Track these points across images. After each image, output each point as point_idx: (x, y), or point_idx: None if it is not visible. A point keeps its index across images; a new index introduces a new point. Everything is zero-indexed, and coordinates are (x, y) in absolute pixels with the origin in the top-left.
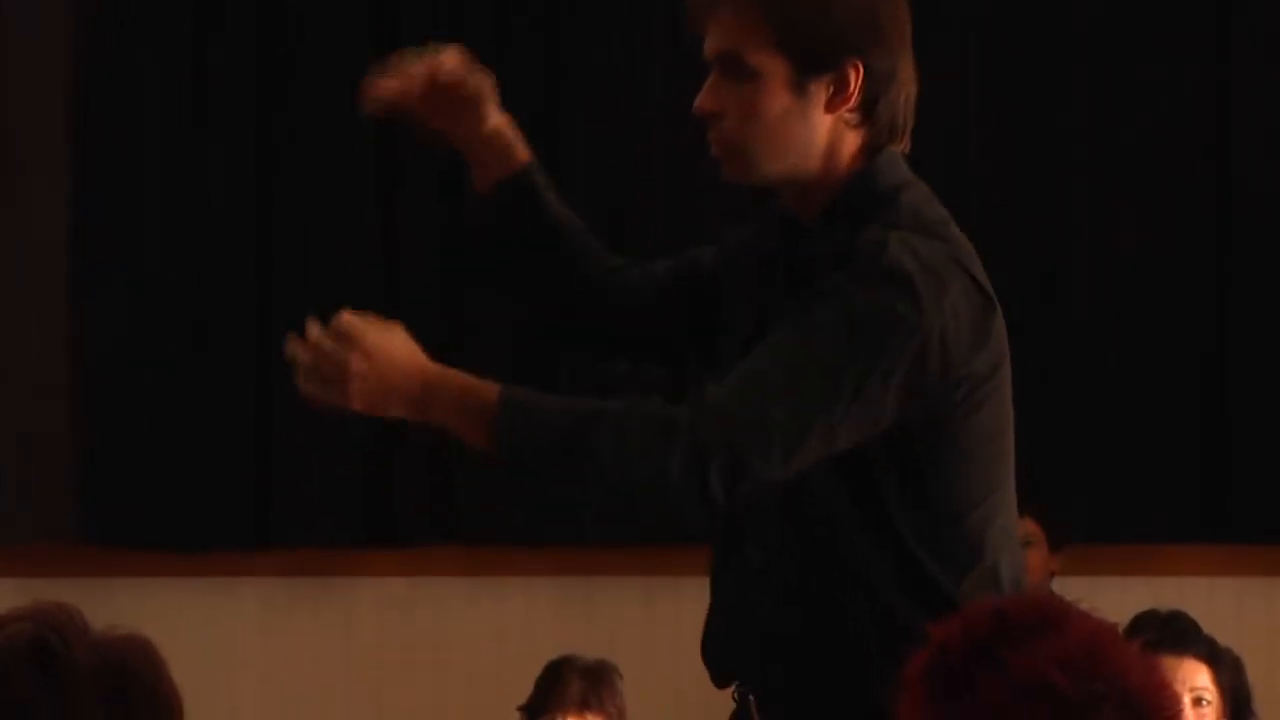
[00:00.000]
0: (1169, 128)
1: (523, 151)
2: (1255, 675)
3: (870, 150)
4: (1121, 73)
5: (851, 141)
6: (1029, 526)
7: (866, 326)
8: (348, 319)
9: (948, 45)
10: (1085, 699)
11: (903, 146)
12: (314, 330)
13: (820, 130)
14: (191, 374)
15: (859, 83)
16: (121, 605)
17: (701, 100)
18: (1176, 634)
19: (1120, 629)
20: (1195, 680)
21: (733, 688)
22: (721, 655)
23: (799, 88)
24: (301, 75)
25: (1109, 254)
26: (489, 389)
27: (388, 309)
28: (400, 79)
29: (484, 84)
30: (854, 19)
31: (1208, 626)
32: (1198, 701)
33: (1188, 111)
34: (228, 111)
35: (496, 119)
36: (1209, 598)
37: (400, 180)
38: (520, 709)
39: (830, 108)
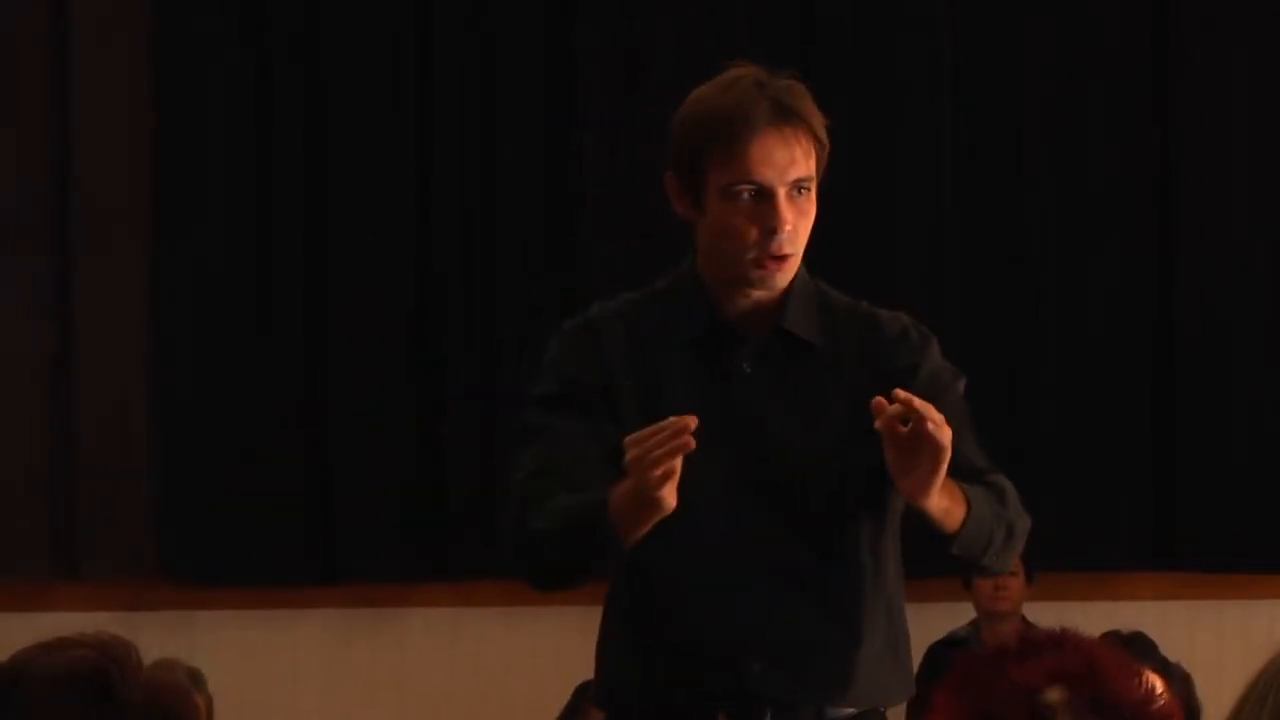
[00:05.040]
0: (1118, 188)
1: None
2: (1203, 691)
3: None
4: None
5: None
6: None
7: None
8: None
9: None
10: (1064, 703)
11: None
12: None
13: None
14: (261, 429)
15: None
16: (198, 636)
17: (792, 218)
18: (1136, 651)
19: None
20: None
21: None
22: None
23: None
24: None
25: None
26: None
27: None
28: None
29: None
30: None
31: (1161, 647)
32: None
33: (1135, 165)
34: (289, 179)
35: None
36: (1162, 621)
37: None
38: None
39: None
